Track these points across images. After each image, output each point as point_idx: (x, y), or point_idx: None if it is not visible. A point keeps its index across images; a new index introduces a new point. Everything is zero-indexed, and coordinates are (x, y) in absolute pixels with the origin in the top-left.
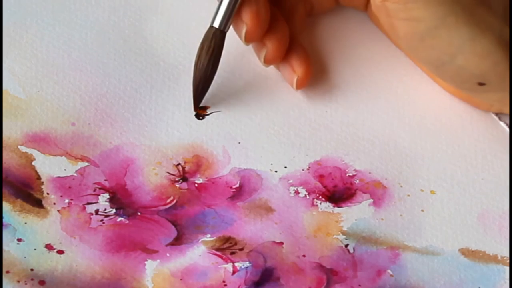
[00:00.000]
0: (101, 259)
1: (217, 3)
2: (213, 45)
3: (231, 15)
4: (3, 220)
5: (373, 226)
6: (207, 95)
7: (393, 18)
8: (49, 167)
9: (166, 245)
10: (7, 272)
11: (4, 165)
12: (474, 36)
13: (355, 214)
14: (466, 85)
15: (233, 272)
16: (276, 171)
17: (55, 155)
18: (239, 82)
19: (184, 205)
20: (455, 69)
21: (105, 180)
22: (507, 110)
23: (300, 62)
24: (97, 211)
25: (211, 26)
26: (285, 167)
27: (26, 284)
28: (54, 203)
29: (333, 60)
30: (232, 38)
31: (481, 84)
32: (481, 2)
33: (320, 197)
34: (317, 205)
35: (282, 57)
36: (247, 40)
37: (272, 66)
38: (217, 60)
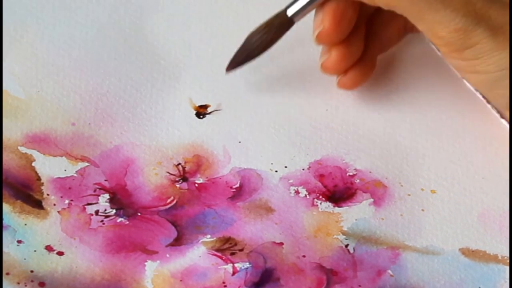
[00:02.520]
0: (101, 260)
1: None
2: (276, 30)
3: (307, 11)
4: (3, 221)
5: (373, 226)
6: (207, 93)
7: (460, 72)
8: (49, 167)
9: (166, 246)
10: (7, 274)
11: (4, 166)
12: None
13: (355, 214)
14: None
15: (233, 273)
16: (276, 171)
17: (55, 156)
18: (239, 81)
19: (184, 205)
20: None
21: (105, 180)
22: None
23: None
24: (97, 212)
25: (285, 11)
26: (286, 167)
27: (26, 285)
28: (54, 204)
29: None
30: (232, 38)
31: None
32: None
33: (320, 197)
34: (317, 205)
35: (341, 71)
36: (318, 41)
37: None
38: (272, 43)
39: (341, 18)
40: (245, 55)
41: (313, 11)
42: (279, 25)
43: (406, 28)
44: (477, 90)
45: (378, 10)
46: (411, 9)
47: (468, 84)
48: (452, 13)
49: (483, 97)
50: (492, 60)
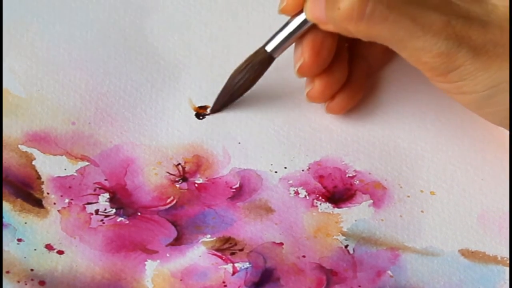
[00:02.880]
0: (101, 260)
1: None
2: (258, 67)
3: (286, 46)
4: (3, 220)
5: (373, 227)
6: (207, 94)
7: (447, 94)
8: (49, 166)
9: (166, 246)
10: (7, 272)
11: (4, 164)
12: None
13: (355, 215)
14: None
15: (233, 273)
16: (276, 172)
17: (55, 155)
18: None
19: (184, 205)
20: None
21: (105, 180)
22: None
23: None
24: (97, 211)
25: (264, 48)
26: (285, 168)
27: (26, 284)
28: (54, 203)
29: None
30: (232, 39)
31: None
32: None
33: (320, 197)
34: (317, 206)
35: (327, 99)
36: (299, 74)
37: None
38: (255, 81)
39: (320, 49)
40: (228, 95)
41: (293, 45)
42: (260, 62)
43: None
44: None
45: None
46: (392, 39)
47: None
48: (433, 38)
49: None
50: (478, 80)
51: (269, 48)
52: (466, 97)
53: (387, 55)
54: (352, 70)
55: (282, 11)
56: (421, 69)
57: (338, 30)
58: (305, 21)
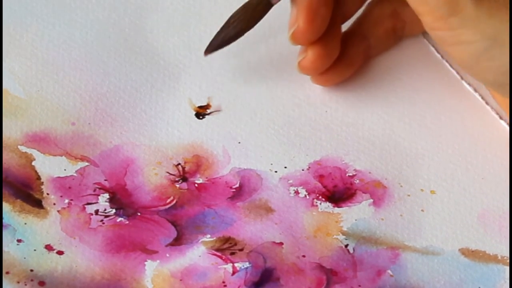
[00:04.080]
0: (101, 260)
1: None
2: (253, 10)
3: None
4: (3, 220)
5: (373, 226)
6: (207, 94)
7: (444, 45)
8: (49, 167)
9: (166, 246)
10: (7, 273)
11: (4, 165)
12: None
13: (355, 214)
14: None
15: (233, 273)
16: (276, 171)
17: (55, 155)
18: (239, 81)
19: (184, 205)
20: None
21: (105, 180)
22: None
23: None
24: (97, 211)
25: None
26: (285, 167)
27: (26, 285)
28: (54, 204)
29: None
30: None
31: None
32: None
33: (320, 197)
34: (317, 205)
35: (318, 71)
36: (293, 40)
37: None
38: (249, 26)
39: (315, 15)
40: (222, 37)
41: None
42: (256, 7)
43: (396, 30)
44: (476, 92)
45: (367, 12)
46: None
47: (467, 85)
48: None
49: (482, 98)
50: (478, 29)
51: None
52: (464, 48)
53: (389, 39)
54: (348, 47)
55: None
56: (422, 12)
57: None
58: None
